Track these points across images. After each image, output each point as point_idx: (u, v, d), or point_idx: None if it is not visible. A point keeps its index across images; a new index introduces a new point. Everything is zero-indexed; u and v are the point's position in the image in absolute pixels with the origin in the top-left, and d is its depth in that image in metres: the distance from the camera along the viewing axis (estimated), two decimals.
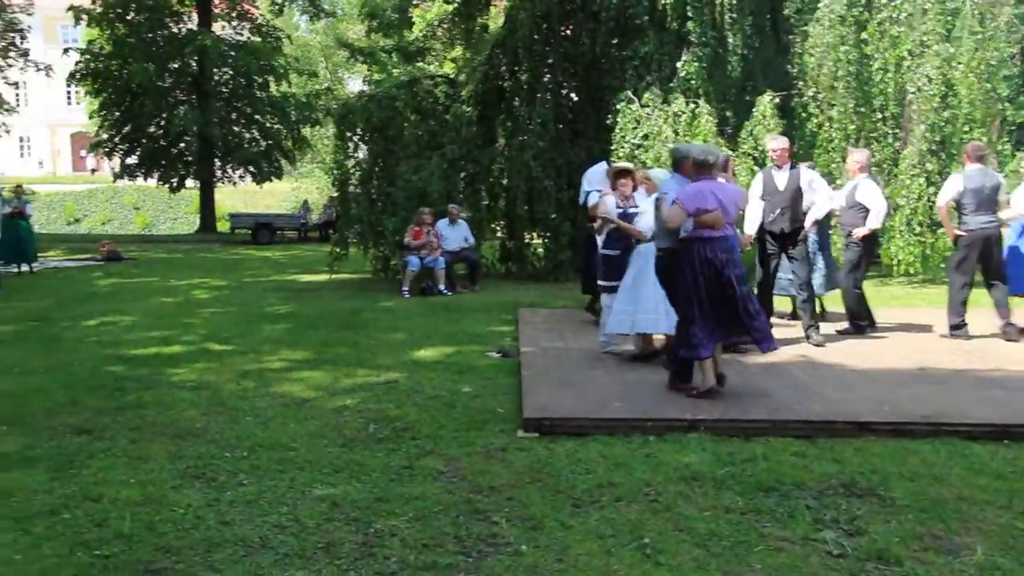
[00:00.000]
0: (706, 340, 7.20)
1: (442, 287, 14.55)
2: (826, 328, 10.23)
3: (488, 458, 6.04)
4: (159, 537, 4.75)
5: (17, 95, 36.98)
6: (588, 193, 10.75)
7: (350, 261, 17.12)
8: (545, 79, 17.48)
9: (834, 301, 11.10)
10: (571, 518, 5.01)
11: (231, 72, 34.01)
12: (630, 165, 10.01)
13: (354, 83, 40.66)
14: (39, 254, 20.17)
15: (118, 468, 5.86)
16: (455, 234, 15.22)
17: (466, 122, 16.89)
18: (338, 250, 16.80)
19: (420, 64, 30.63)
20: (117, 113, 33.95)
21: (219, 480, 5.64)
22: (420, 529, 4.86)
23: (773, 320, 9.85)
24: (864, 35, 15.21)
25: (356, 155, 17.50)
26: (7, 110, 34.39)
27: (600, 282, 9.19)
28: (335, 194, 19.22)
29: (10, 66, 34.57)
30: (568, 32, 17.52)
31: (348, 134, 17.06)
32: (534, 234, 17.52)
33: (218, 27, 34.24)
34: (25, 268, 18.76)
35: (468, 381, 8.23)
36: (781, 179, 9.47)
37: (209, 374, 8.69)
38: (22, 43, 34.83)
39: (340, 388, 8.02)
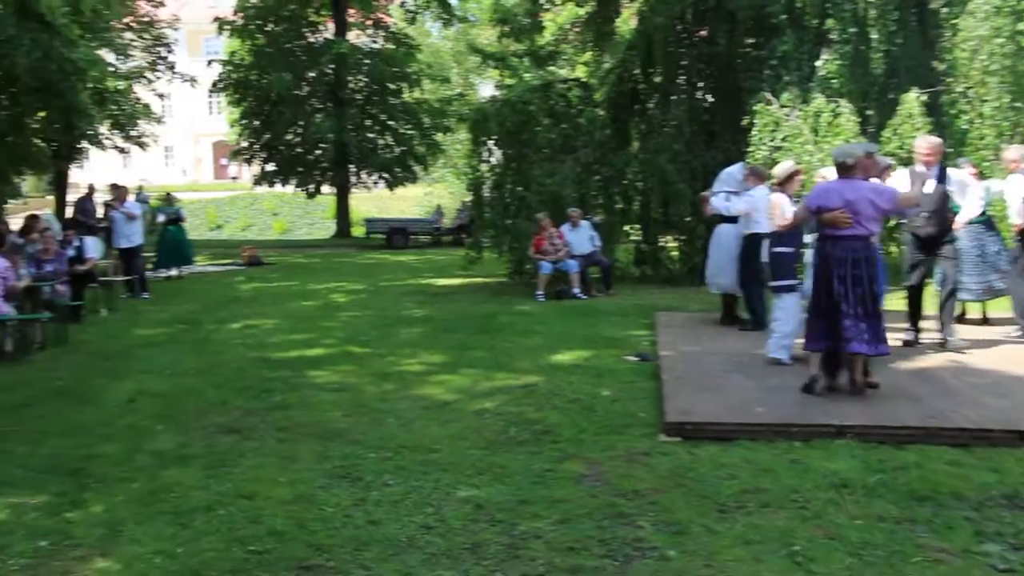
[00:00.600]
0: (817, 334, 7.27)
1: (576, 291, 14.51)
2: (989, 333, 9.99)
3: (630, 462, 5.98)
4: (310, 535, 4.86)
5: (162, 106, 38.55)
6: (716, 194, 10.79)
7: (485, 265, 17.26)
8: (679, 80, 17.30)
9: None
10: (717, 524, 4.92)
11: (366, 80, 34.70)
12: (799, 166, 9.88)
13: (485, 88, 41.01)
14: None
15: (268, 467, 6.02)
16: (579, 237, 15.14)
17: (599, 125, 16.85)
18: (473, 254, 16.96)
19: (551, 68, 30.67)
20: (256, 122, 35.05)
21: (365, 480, 5.74)
22: (565, 532, 4.85)
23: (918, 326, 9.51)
24: (1021, 26, 14.51)
25: (490, 159, 17.63)
26: (155, 120, 35.86)
27: (772, 282, 8.91)
28: (467, 198, 19.39)
29: (158, 78, 36.06)
30: (703, 32, 17.29)
31: (482, 138, 17.20)
32: (669, 237, 17.34)
33: (353, 35, 35.00)
34: (175, 272, 19.50)
35: (607, 385, 8.18)
36: (928, 181, 9.09)
37: (350, 376, 8.87)
38: (169, 56, 36.31)
39: (479, 391, 8.07)
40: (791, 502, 5.19)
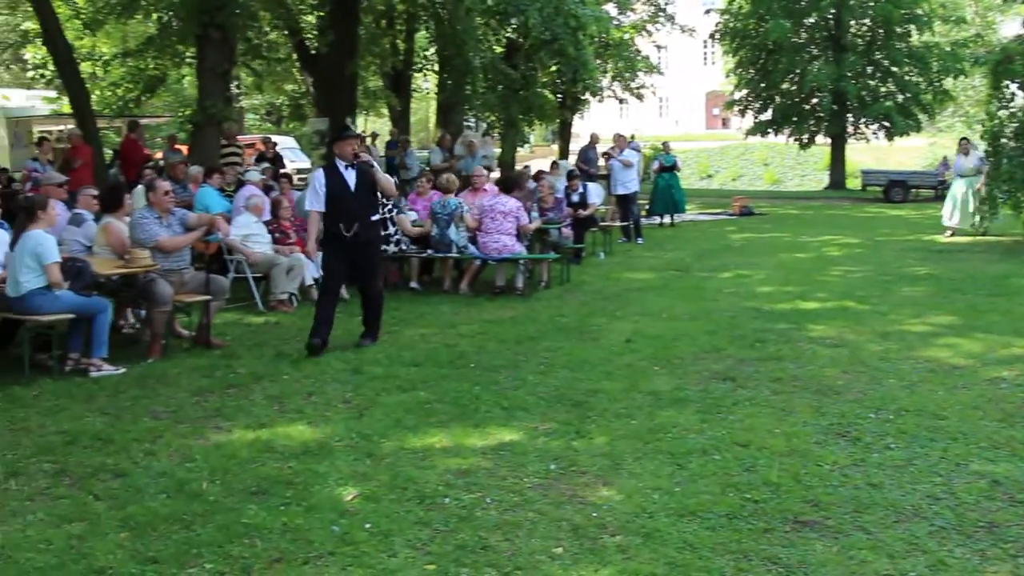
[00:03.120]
0: None
1: None
2: None
3: None
4: (806, 490, 4.72)
5: (659, 58, 39.52)
6: None
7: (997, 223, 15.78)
8: None
9: None
10: None
11: (869, 23, 33.02)
12: None
13: (1009, 27, 37.14)
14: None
15: (762, 417, 5.95)
16: None
17: None
18: (986, 209, 15.55)
19: None
20: (752, 71, 34.79)
21: (864, 441, 5.48)
22: None
23: None
24: None
25: (1010, 106, 15.95)
26: (654, 71, 36.84)
27: None
28: (980, 149, 17.73)
29: (658, 30, 36.98)
30: None
31: (1004, 82, 15.58)
32: None
33: None
34: (667, 220, 20.04)
35: None
36: None
37: (847, 332, 8.52)
38: (668, 8, 37.10)
39: (994, 358, 7.38)
40: None
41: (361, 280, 8.51)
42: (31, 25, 22.66)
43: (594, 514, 4.46)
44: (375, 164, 8.46)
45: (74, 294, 7.29)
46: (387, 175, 8.41)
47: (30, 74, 25.78)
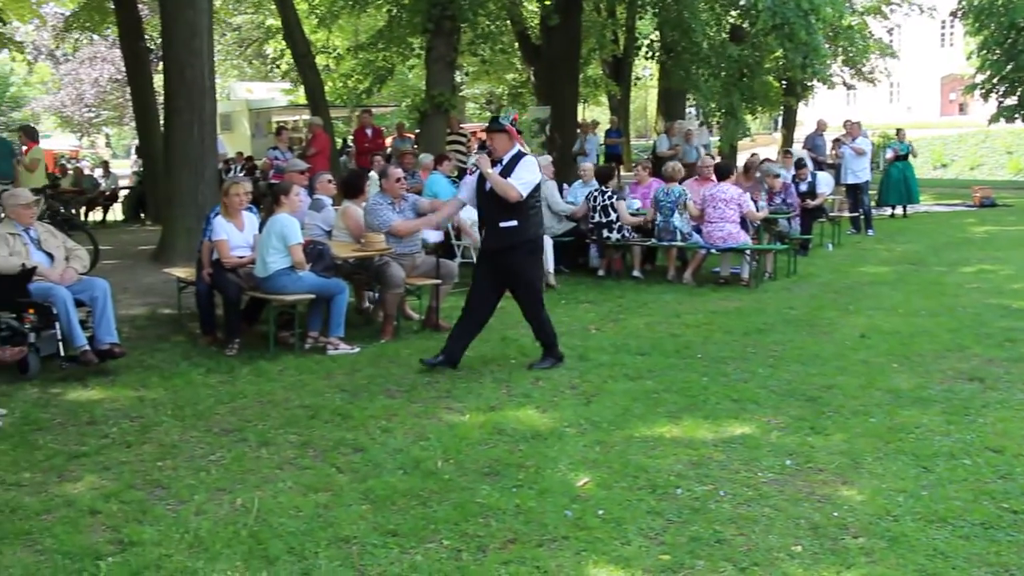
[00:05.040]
0: None
1: None
2: None
3: None
4: None
5: (890, 40, 37.57)
6: None
7: None
8: None
9: None
10: None
11: None
12: None
13: None
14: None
15: (1017, 422, 5.56)
16: None
17: None
18: None
19: None
20: (997, 52, 32.63)
21: None
22: None
23: None
24: None
25: None
26: (888, 55, 35.11)
27: None
28: None
29: (893, 11, 35.17)
30: None
31: None
32: None
33: None
34: (899, 211, 19.09)
35: None
36: None
37: None
38: None
39: None
40: None
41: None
42: (273, 22, 24.00)
43: (834, 513, 4.28)
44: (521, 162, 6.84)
45: (315, 275, 7.64)
46: (508, 178, 6.70)
47: (279, 65, 27.34)
